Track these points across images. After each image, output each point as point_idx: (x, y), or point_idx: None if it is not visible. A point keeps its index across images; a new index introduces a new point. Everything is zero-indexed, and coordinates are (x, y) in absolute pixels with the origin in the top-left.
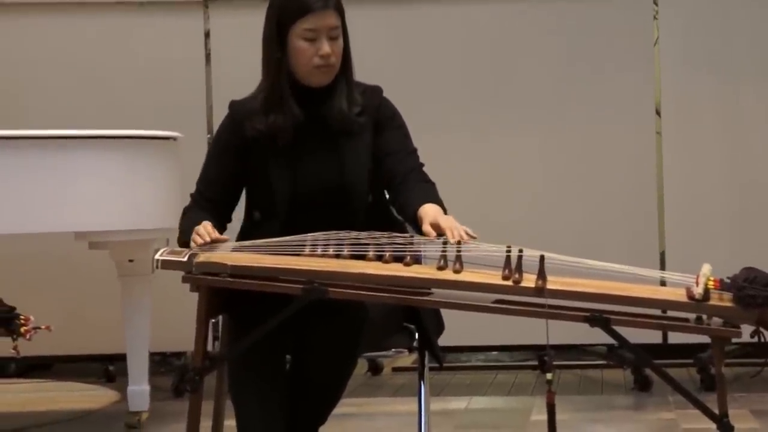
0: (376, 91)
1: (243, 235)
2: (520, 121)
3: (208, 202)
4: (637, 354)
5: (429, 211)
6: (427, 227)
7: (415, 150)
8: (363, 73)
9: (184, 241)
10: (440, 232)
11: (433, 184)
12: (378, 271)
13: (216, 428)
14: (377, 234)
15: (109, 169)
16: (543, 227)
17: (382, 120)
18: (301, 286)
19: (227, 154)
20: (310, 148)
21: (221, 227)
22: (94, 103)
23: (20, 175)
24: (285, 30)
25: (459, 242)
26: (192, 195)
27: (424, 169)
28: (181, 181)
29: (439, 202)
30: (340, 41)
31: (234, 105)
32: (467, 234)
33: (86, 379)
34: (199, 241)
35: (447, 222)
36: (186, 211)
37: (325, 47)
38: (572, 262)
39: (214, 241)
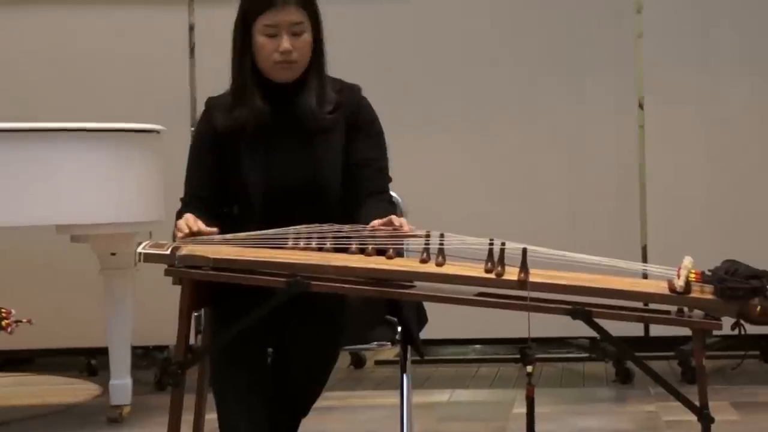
0: (354, 89)
1: (223, 230)
2: (502, 114)
3: (199, 200)
4: (619, 347)
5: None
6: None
7: (386, 165)
8: (339, 69)
9: None
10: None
11: (394, 206)
12: (360, 264)
13: (198, 422)
14: (360, 227)
15: (92, 162)
16: (526, 220)
17: (361, 124)
18: (283, 280)
19: (206, 150)
20: (283, 142)
21: (216, 222)
22: (77, 95)
23: (1, 168)
24: (249, 26)
25: (442, 235)
26: (181, 199)
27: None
28: (164, 175)
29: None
30: (305, 37)
31: (209, 101)
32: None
33: (68, 373)
34: (181, 233)
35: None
36: (178, 215)
37: (285, 43)
38: (555, 255)
39: (198, 233)
